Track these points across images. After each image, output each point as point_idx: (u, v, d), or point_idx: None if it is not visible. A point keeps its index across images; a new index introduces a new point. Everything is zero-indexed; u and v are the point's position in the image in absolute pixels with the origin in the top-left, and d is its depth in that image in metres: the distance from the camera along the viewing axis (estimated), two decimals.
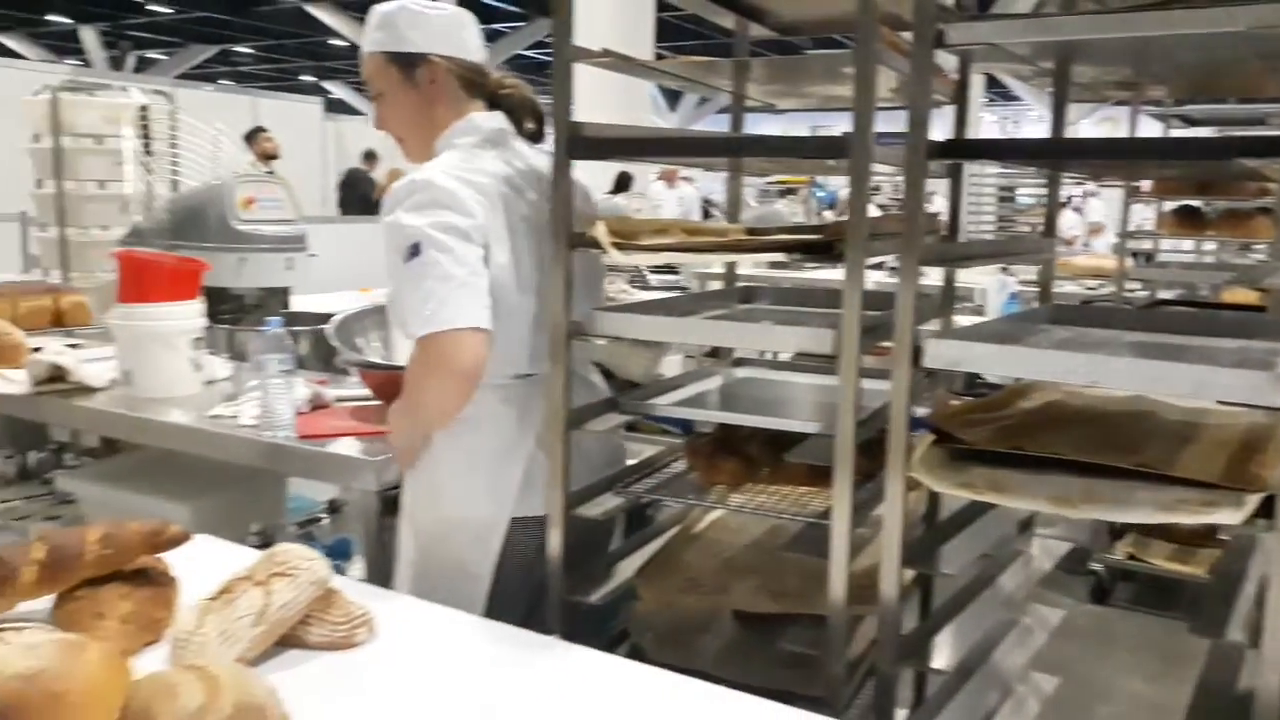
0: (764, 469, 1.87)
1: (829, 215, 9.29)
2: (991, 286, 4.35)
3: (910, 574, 1.80)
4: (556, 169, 1.69)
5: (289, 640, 1.43)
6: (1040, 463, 1.49)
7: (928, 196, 1.69)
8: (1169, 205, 4.22)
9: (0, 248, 5.29)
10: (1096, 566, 3.59)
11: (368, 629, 1.48)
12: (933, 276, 1.83)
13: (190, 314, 2.40)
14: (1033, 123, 18.90)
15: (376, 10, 1.95)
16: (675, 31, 15.57)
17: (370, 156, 10.22)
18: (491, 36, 19.27)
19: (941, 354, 1.48)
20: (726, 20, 2.15)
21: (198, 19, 18.51)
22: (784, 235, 1.63)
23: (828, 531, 1.54)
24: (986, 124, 16.10)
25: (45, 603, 1.43)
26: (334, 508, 2.54)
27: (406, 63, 1.90)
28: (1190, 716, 1.51)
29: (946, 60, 1.87)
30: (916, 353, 1.49)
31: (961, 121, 2.07)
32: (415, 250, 1.72)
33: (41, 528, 2.69)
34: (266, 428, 2.03)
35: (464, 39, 1.95)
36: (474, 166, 1.83)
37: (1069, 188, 8.62)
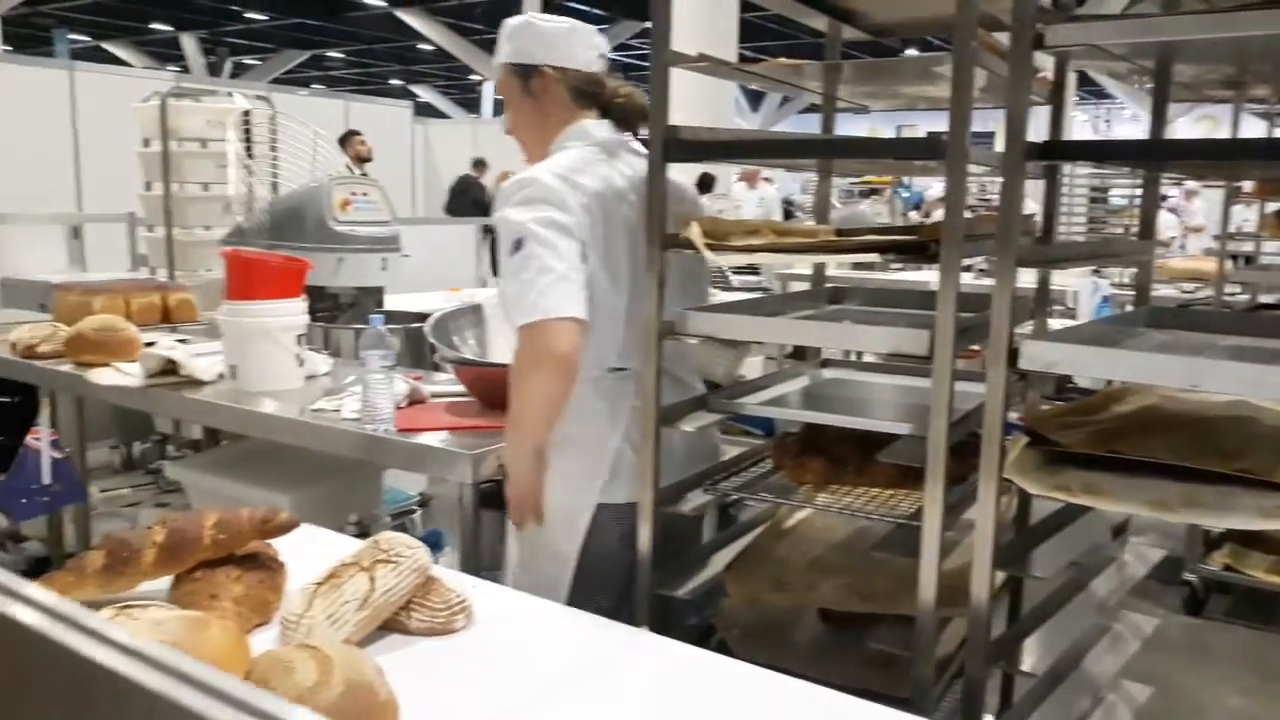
0: (851, 469, 1.87)
1: (914, 216, 9.18)
2: (1084, 289, 4.27)
3: (1000, 577, 1.80)
4: (651, 171, 1.72)
5: (391, 625, 1.49)
6: (1136, 467, 1.47)
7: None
8: (1271, 207, 4.08)
9: (110, 247, 5.52)
10: (1191, 577, 3.49)
11: (466, 615, 1.53)
12: (1026, 279, 1.82)
13: (294, 311, 2.49)
14: (1126, 121, 18.39)
15: (505, 24, 2.08)
16: (758, 31, 15.53)
17: (480, 164, 10.59)
18: None
19: (1038, 356, 1.47)
20: (818, 22, 2.16)
21: (291, 25, 19.05)
22: (877, 236, 1.63)
23: (917, 533, 1.54)
24: (1078, 123, 15.71)
25: (163, 584, 1.51)
26: (424, 501, 2.61)
27: (523, 73, 2.03)
28: None
29: (1043, 60, 1.86)
30: (1013, 354, 1.48)
31: (1057, 122, 2.05)
32: (519, 244, 1.82)
33: (153, 514, 2.82)
34: (368, 421, 2.10)
35: (575, 51, 2.04)
36: (579, 168, 1.92)
37: (1166, 188, 8.37)
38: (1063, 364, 1.46)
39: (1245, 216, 4.45)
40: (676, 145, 1.72)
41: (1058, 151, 1.51)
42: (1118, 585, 1.92)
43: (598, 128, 2.02)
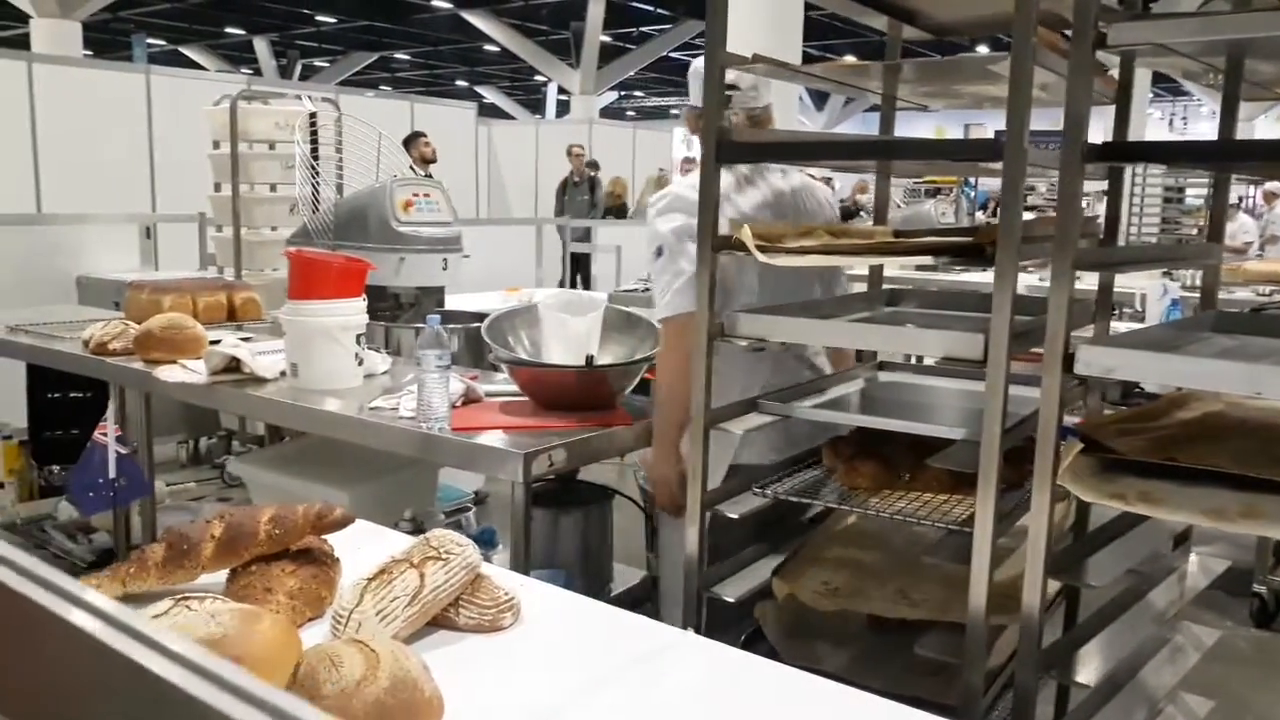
0: (903, 474, 1.85)
1: (980, 216, 9.01)
2: (1152, 292, 4.16)
3: (1055, 585, 1.76)
4: (704, 171, 1.73)
5: (440, 621, 1.50)
6: (1196, 475, 1.43)
7: (1086, 199, 1.65)
8: None
9: (181, 246, 5.67)
10: (1260, 588, 3.39)
11: (513, 614, 1.54)
12: (1090, 281, 1.79)
13: (354, 310, 2.53)
14: (1204, 119, 17.88)
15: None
16: (824, 30, 15.40)
17: (593, 165, 10.87)
18: (639, 40, 19.52)
19: (1095, 360, 1.44)
20: (878, 22, 2.14)
21: (359, 27, 19.37)
22: (932, 238, 1.61)
23: (969, 539, 1.52)
24: (1154, 121, 15.31)
25: (219, 577, 1.55)
26: (479, 499, 2.64)
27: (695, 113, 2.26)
28: None
29: (1108, 58, 1.82)
30: (1069, 359, 1.45)
31: (1123, 121, 2.01)
32: (660, 251, 2.15)
33: (216, 508, 2.88)
34: (424, 419, 2.12)
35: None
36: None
37: (1241, 188, 8.12)
38: (1120, 369, 1.43)
39: None
40: (730, 147, 1.72)
41: (1116, 152, 1.47)
42: (1178, 596, 1.87)
43: None
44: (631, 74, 20.17)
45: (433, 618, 1.50)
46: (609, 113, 23.45)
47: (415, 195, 3.78)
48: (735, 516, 1.76)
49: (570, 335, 2.30)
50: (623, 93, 26.58)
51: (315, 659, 1.21)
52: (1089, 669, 1.69)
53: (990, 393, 1.50)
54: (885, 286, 2.29)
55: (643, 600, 2.21)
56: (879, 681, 1.78)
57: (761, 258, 1.65)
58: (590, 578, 2.24)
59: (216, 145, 4.58)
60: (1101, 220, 2.04)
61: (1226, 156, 1.61)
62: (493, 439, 2.05)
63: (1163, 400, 1.77)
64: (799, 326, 1.74)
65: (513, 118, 22.78)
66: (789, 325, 1.74)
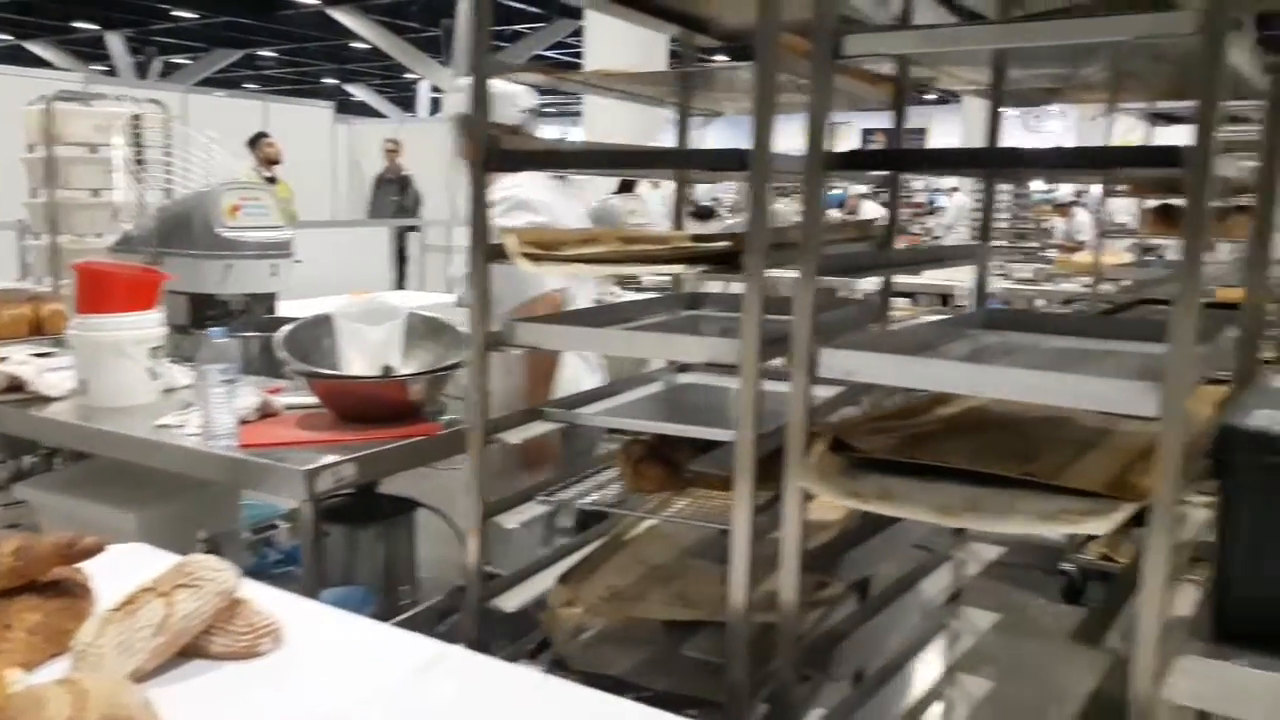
0: (687, 476, 1.88)
1: (836, 214, 9.23)
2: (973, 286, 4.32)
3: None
4: (474, 181, 1.71)
5: (193, 650, 1.46)
6: (940, 471, 1.49)
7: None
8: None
9: (2, 256, 5.39)
10: (1068, 566, 3.56)
11: (273, 639, 1.50)
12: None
13: (147, 324, 2.44)
14: (1055, 118, 18.68)
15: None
16: None
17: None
18: (513, 38, 19.37)
19: (835, 364, 1.49)
20: (672, 31, 2.16)
21: (222, 23, 18.72)
22: (690, 245, 1.63)
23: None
24: (1009, 121, 15.87)
25: None
26: (291, 517, 2.57)
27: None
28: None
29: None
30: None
31: (899, 126, 2.08)
32: None
33: (3, 534, 2.73)
34: (208, 437, 2.06)
35: (504, 110, 2.62)
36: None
37: (1071, 187, 8.53)
38: (859, 372, 1.48)
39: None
40: (498, 155, 1.71)
41: (858, 161, 1.52)
42: (950, 583, 1.94)
43: None
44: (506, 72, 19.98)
45: (185, 647, 1.45)
46: None
47: (243, 200, 3.67)
48: (514, 527, 1.75)
49: (368, 345, 2.26)
50: None
51: (19, 703, 1.16)
52: (860, 660, 1.74)
53: (743, 396, 1.53)
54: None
55: (451, 612, 2.18)
56: (668, 683, 1.81)
57: (529, 267, 1.65)
58: (392, 593, 2.20)
59: (31, 148, 4.36)
60: (880, 222, 2.11)
61: (944, 163, 1.68)
62: (276, 456, 2.00)
63: (929, 396, 1.84)
64: (571, 335, 1.75)
65: (384, 115, 22.34)
66: (563, 334, 1.74)
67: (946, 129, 17.19)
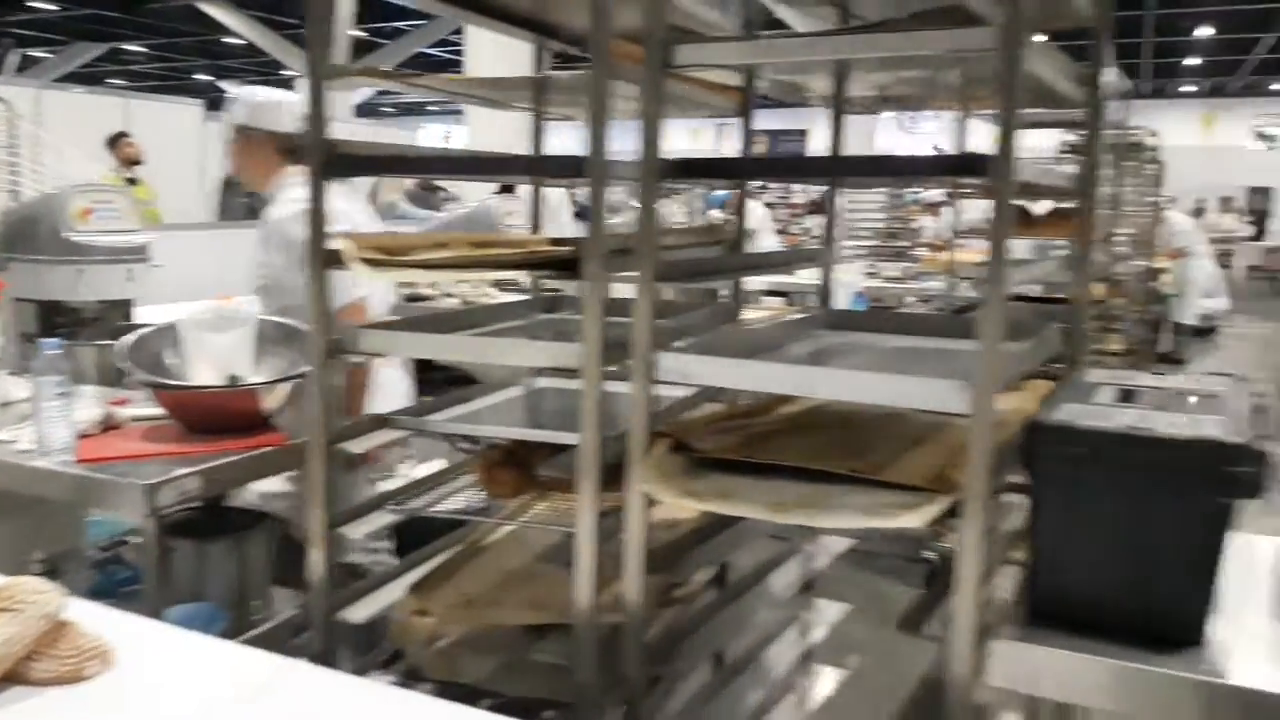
0: (541, 480, 1.88)
1: (716, 214, 9.34)
2: (836, 287, 4.45)
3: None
4: (312, 187, 1.68)
5: (13, 676, 1.40)
6: (779, 470, 1.53)
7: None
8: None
9: None
10: (930, 554, 3.69)
11: (101, 661, 1.45)
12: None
13: None
14: (930, 119, 19.28)
15: (230, 93, 2.59)
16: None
17: None
18: (394, 35, 19.04)
19: (673, 368, 1.51)
20: (523, 37, 2.16)
21: (85, 16, 17.91)
22: (531, 250, 1.64)
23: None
24: (884, 124, 16.26)
25: None
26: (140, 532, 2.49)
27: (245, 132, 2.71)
28: (907, 707, 1.57)
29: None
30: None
31: (748, 135, 2.13)
32: None
33: None
34: (42, 452, 1.98)
35: (281, 118, 2.67)
36: None
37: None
38: (695, 375, 1.51)
39: None
40: (337, 160, 1.69)
41: (691, 169, 1.55)
42: (804, 573, 2.00)
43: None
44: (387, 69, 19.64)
45: (6, 673, 1.39)
46: (366, 110, 22.74)
47: (95, 203, 3.52)
48: (358, 537, 1.73)
49: (215, 353, 2.20)
50: (381, 90, 25.88)
51: None
52: (714, 655, 1.78)
53: (586, 400, 1.54)
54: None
55: (306, 627, 2.14)
56: (522, 688, 1.81)
57: (365, 274, 1.63)
58: (244, 609, 2.15)
59: None
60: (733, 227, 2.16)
61: (768, 172, 1.73)
62: (116, 471, 1.93)
63: (772, 396, 1.88)
64: (412, 341, 1.73)
65: None
66: (402, 340, 1.73)
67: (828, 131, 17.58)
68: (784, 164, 1.61)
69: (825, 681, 2.05)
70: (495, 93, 2.15)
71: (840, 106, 2.07)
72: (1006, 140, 1.27)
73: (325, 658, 1.70)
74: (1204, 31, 18.51)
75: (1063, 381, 1.75)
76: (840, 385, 1.41)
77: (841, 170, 1.82)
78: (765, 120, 1.88)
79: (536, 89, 2.17)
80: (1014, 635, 1.33)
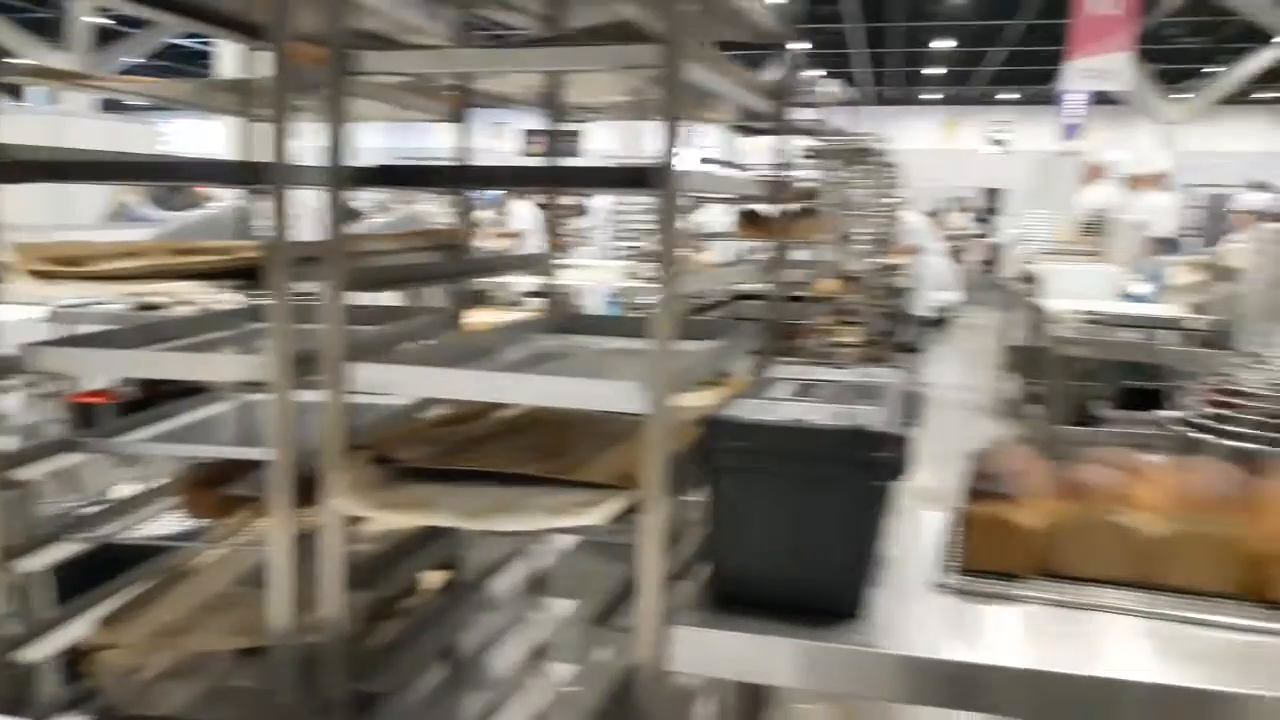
0: (244, 500, 1.81)
1: (489, 216, 9.28)
2: (589, 290, 4.57)
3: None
4: None
5: None
6: (482, 474, 1.54)
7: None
8: None
9: None
10: None
11: None
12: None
13: None
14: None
15: None
16: None
17: None
18: (143, 23, 17.78)
19: (367, 378, 1.50)
20: (230, 38, 2.08)
21: None
22: (213, 258, 1.58)
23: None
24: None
25: None
26: None
27: None
28: (606, 701, 1.63)
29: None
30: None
31: (465, 140, 2.13)
32: None
33: None
34: None
35: None
36: None
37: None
38: (390, 385, 1.50)
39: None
40: (7, 167, 1.56)
41: (378, 177, 1.54)
42: (531, 573, 2.03)
43: None
44: (138, 60, 18.32)
45: None
46: (114, 104, 21.16)
47: None
48: (42, 570, 1.62)
49: None
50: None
51: None
52: (432, 662, 1.77)
53: (274, 414, 1.50)
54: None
55: None
56: (227, 715, 1.75)
57: (34, 287, 1.52)
58: None
59: None
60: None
61: (469, 180, 1.77)
62: None
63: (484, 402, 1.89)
64: (97, 358, 1.64)
65: None
66: (86, 357, 1.63)
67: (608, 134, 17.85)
68: (471, 172, 1.61)
69: (549, 678, 2.08)
70: (197, 97, 2.05)
71: (556, 114, 2.11)
72: (670, 152, 1.34)
73: (5, 705, 1.58)
74: (944, 44, 20.06)
75: (755, 378, 1.85)
76: (527, 390, 1.44)
77: (523, 179, 1.85)
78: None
79: (240, 92, 2.09)
80: (692, 621, 1.40)
